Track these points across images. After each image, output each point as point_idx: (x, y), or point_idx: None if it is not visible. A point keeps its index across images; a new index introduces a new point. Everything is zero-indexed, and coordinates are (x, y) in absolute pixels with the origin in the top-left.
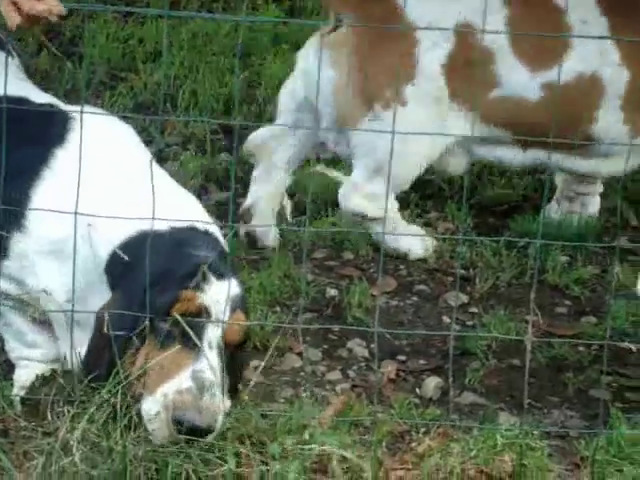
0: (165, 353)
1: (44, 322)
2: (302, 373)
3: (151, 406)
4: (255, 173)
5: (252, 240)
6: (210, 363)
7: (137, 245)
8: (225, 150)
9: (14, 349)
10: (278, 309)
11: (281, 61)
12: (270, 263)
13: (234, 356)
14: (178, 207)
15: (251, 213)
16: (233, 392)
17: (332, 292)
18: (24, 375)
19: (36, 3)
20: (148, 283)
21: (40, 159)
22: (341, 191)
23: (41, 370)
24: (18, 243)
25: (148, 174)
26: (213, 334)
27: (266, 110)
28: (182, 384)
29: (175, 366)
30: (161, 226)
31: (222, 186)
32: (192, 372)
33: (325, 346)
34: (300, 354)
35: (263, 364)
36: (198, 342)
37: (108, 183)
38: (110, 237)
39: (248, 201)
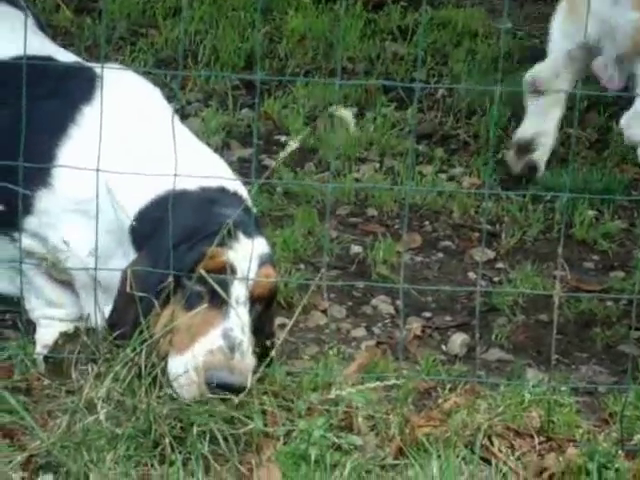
0: (193, 312)
1: (66, 282)
2: (327, 330)
3: (179, 365)
4: (532, 107)
5: (532, 169)
6: (239, 321)
7: (164, 204)
8: (247, 106)
9: (36, 308)
10: (302, 266)
11: (302, 15)
12: (293, 220)
13: (262, 312)
14: (203, 164)
15: (534, 145)
16: (262, 349)
17: (356, 249)
18: (46, 334)
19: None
20: (175, 241)
21: (66, 116)
22: (623, 120)
23: (64, 328)
24: (43, 200)
25: (172, 132)
26: (241, 291)
27: (288, 65)
28: (213, 343)
29: (204, 325)
30: (188, 185)
31: (244, 142)
32: (222, 330)
33: (350, 303)
34: (325, 311)
35: (291, 323)
36: (227, 298)
37: (133, 141)
38: (136, 197)
39: (528, 133)
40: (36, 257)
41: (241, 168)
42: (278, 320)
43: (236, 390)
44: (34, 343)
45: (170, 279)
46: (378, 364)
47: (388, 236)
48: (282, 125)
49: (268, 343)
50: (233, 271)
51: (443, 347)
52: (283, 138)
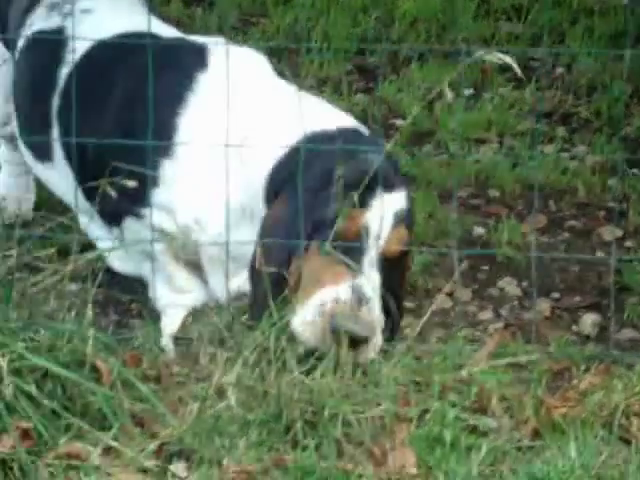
0: (324, 263)
1: (193, 264)
2: (453, 313)
3: (306, 312)
4: None
5: None
6: (370, 280)
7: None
8: (361, 91)
9: (163, 296)
10: (424, 249)
11: None
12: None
13: (394, 269)
14: (326, 112)
15: None
16: (395, 311)
17: (479, 231)
18: (172, 323)
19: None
20: (315, 186)
21: (184, 85)
22: None
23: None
24: (168, 170)
25: (292, 96)
26: (373, 252)
27: (401, 48)
28: (340, 294)
29: (334, 277)
30: (325, 125)
31: None
32: (352, 285)
33: (475, 286)
34: (450, 295)
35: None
36: (357, 267)
37: (253, 106)
38: (270, 152)
39: None
40: (166, 238)
41: None
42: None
43: (361, 340)
44: (160, 332)
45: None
46: (508, 346)
47: (512, 217)
48: (397, 109)
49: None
50: (367, 232)
51: (574, 328)
52: (399, 122)
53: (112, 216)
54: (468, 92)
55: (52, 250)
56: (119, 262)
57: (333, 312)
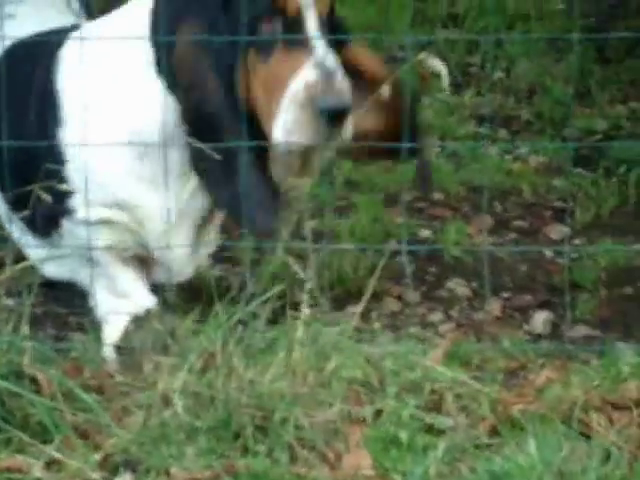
0: (273, 58)
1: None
2: (402, 316)
3: (285, 114)
4: None
5: None
6: (325, 51)
7: None
8: None
9: (103, 303)
10: (370, 254)
11: (350, 7)
12: (358, 208)
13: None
14: None
15: None
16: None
17: (426, 233)
18: (114, 331)
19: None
20: None
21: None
22: None
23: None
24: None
25: None
26: (315, 24)
27: None
28: (308, 78)
29: (292, 66)
30: None
31: None
32: (313, 63)
33: (424, 288)
34: (399, 297)
35: (361, 306)
36: (311, 32)
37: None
38: None
39: None
40: (109, 237)
41: None
42: (350, 309)
43: (346, 112)
44: (101, 342)
45: None
46: (461, 346)
47: (457, 219)
48: None
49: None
50: (301, 17)
51: (525, 327)
52: None
53: (45, 223)
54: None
55: None
56: (54, 268)
57: (310, 96)
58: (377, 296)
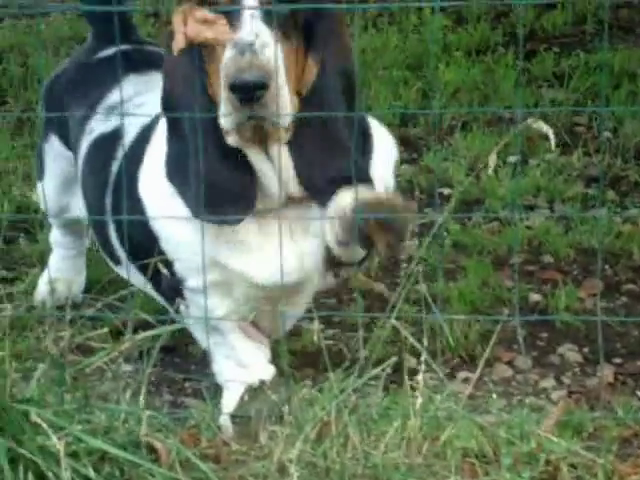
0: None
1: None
2: (514, 382)
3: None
4: None
5: None
6: (249, 27)
7: None
8: (406, 162)
9: (224, 370)
10: (480, 319)
11: (455, 69)
12: (466, 272)
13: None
14: None
15: None
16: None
17: (536, 297)
18: (231, 400)
19: (204, 29)
20: None
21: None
22: None
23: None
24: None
25: None
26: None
27: (444, 118)
28: (225, 56)
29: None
30: None
31: (407, 198)
32: (232, 43)
33: (535, 353)
34: (510, 363)
35: (476, 375)
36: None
37: None
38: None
39: None
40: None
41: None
42: (462, 374)
43: (256, 87)
44: (219, 409)
45: None
46: (574, 414)
47: (568, 282)
48: (444, 178)
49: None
50: None
51: (638, 393)
52: (446, 191)
53: (171, 295)
54: (514, 159)
55: (104, 330)
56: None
57: (223, 78)
58: (488, 362)
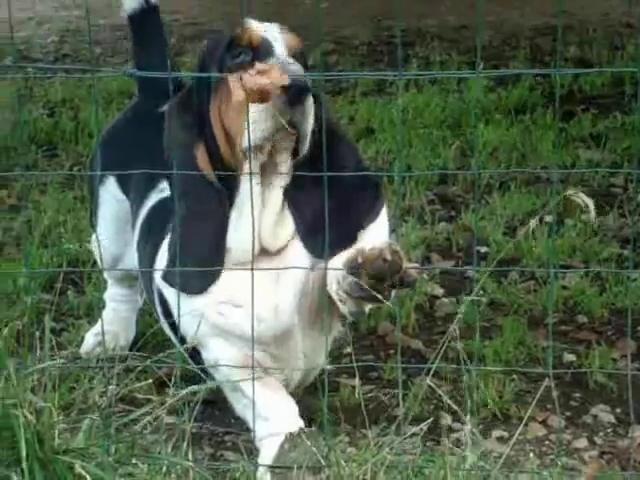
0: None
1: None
2: (547, 442)
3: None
4: None
5: None
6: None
7: None
8: (444, 220)
9: (256, 429)
10: (515, 377)
11: (493, 128)
12: (502, 331)
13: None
14: None
15: None
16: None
17: (570, 357)
18: (269, 453)
19: (259, 77)
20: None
21: None
22: None
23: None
24: None
25: None
26: (281, 50)
27: (482, 177)
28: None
29: (260, 92)
30: None
31: (444, 255)
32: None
33: (568, 413)
34: (543, 422)
35: (515, 437)
36: (279, 50)
37: None
38: None
39: None
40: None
41: (443, 280)
42: (496, 432)
43: (306, 89)
44: (258, 462)
45: None
46: (605, 474)
47: (602, 343)
48: (481, 236)
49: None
50: (268, 45)
51: None
52: (483, 249)
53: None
54: (550, 219)
55: (148, 382)
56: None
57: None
58: (522, 421)
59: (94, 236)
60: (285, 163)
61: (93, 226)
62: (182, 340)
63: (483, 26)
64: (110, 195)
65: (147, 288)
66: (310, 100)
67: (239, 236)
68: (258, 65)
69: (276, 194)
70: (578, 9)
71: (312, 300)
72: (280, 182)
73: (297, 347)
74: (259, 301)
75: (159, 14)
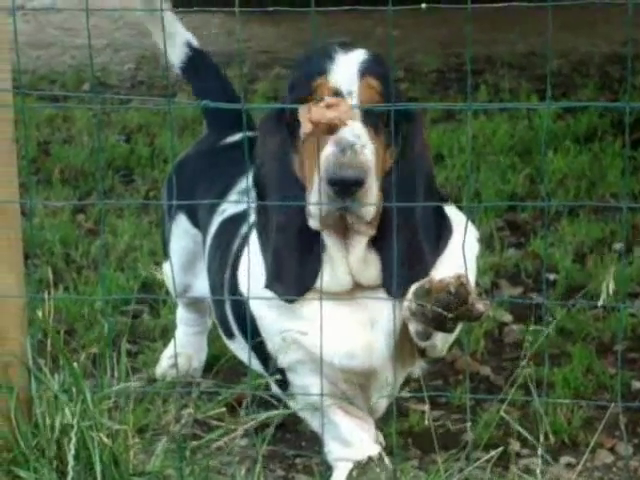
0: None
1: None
2: (614, 469)
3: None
4: None
5: None
6: (350, 128)
7: None
8: (513, 246)
9: (333, 450)
10: (583, 404)
11: (562, 156)
12: (571, 358)
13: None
14: None
15: None
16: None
17: (638, 385)
18: (342, 478)
19: (326, 111)
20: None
21: None
22: None
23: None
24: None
25: None
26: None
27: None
28: (327, 153)
29: (322, 144)
30: None
31: (513, 282)
32: (333, 141)
33: (636, 440)
34: (612, 449)
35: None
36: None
37: None
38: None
39: None
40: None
41: (511, 305)
42: (564, 459)
43: (352, 184)
44: None
45: None
46: None
47: None
48: (550, 263)
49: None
50: (338, 92)
51: None
52: (552, 276)
53: (280, 380)
54: (619, 246)
55: (222, 409)
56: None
57: (322, 171)
58: (590, 448)
59: (166, 266)
60: (361, 222)
61: (165, 256)
62: (264, 361)
63: (552, 54)
64: (181, 230)
65: (218, 308)
66: (367, 186)
67: (332, 270)
68: (327, 99)
69: (359, 240)
70: None
71: (397, 337)
72: (363, 232)
73: (383, 380)
74: (354, 337)
75: (207, 55)
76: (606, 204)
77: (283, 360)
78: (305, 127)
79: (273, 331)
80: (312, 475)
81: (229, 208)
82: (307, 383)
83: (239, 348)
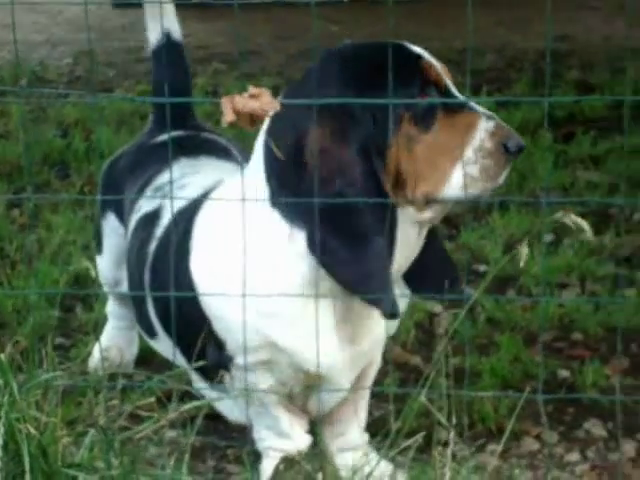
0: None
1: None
2: (540, 456)
3: (466, 168)
4: None
5: None
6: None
7: None
8: (445, 238)
9: (265, 438)
10: (510, 392)
11: None
12: (499, 347)
13: None
14: None
15: None
16: None
17: (564, 373)
18: (269, 468)
19: (250, 100)
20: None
21: None
22: None
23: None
24: None
25: None
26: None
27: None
28: (486, 129)
29: (466, 124)
30: None
31: None
32: (484, 119)
33: (561, 428)
34: (537, 437)
35: (500, 447)
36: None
37: None
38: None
39: None
40: (269, 378)
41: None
42: (490, 447)
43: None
44: (259, 476)
45: None
46: None
47: (595, 360)
48: (480, 255)
49: None
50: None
51: None
52: (482, 268)
53: (216, 371)
54: (549, 238)
55: (151, 400)
56: (229, 411)
57: (499, 143)
58: (516, 435)
59: (98, 259)
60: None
61: (97, 250)
62: (190, 358)
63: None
64: (110, 229)
65: (137, 305)
66: None
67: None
68: (251, 89)
69: (424, 231)
70: (580, 33)
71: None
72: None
73: (336, 383)
74: (334, 338)
75: (180, 51)
76: (528, 200)
77: (244, 360)
78: (227, 117)
79: (241, 331)
80: (243, 465)
81: (144, 206)
82: (259, 381)
83: (164, 347)
